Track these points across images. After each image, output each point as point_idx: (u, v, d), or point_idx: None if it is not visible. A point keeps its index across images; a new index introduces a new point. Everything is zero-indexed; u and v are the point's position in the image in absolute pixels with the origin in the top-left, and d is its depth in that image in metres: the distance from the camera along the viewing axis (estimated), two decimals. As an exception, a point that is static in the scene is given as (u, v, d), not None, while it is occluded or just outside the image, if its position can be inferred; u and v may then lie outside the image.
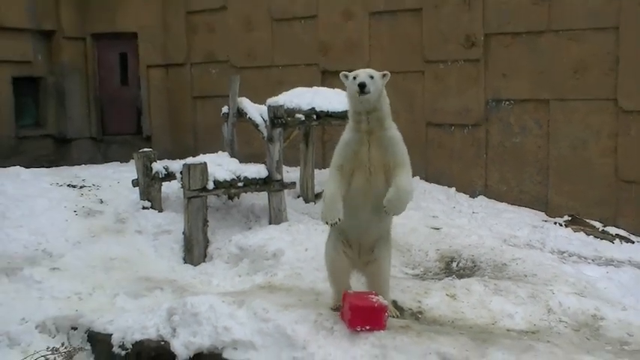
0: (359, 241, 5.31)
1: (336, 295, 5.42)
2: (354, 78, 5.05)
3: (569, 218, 8.77)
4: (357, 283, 5.64)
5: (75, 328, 6.20)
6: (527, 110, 9.50)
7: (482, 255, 7.15)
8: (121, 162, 12.56)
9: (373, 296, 5.08)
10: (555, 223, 8.65)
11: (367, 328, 4.98)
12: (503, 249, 7.31)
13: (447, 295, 5.94)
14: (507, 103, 9.66)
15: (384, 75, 5.16)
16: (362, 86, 4.95)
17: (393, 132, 5.13)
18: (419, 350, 4.83)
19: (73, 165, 12.14)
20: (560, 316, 5.61)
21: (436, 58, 10.18)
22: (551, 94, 9.25)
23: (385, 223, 5.33)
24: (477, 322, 5.53)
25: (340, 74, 5.29)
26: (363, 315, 5.00)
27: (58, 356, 3.95)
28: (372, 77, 5.02)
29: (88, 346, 6.05)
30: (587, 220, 8.74)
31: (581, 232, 8.30)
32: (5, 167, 10.44)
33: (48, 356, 4.26)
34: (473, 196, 9.79)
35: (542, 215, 9.10)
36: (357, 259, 5.38)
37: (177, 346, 5.53)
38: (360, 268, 5.46)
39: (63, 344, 4.12)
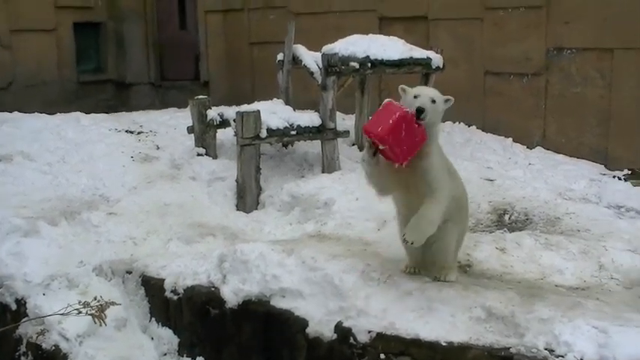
0: None
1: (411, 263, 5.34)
2: (415, 97, 4.73)
3: (629, 172, 8.52)
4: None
5: (130, 272, 6.42)
6: (590, 59, 9.17)
7: (535, 208, 7.02)
8: (178, 107, 12.68)
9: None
10: (614, 176, 8.39)
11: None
12: (558, 202, 7.16)
13: (497, 248, 5.90)
14: (569, 51, 9.34)
15: (447, 100, 4.84)
16: (419, 111, 4.62)
17: (431, 160, 4.83)
18: (464, 303, 4.84)
19: (132, 110, 12.33)
20: (612, 273, 5.50)
21: (496, 4, 9.85)
22: (616, 42, 8.90)
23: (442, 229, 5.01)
24: (525, 276, 5.48)
25: (399, 87, 4.90)
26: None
27: (90, 309, 4.14)
28: (434, 101, 4.73)
29: (142, 291, 6.26)
30: (648, 174, 8.50)
31: (641, 187, 8.07)
32: (67, 112, 10.68)
33: (81, 309, 4.51)
34: (530, 147, 9.55)
35: (601, 168, 8.83)
36: None
37: (227, 292, 5.67)
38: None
39: (95, 298, 4.29)
